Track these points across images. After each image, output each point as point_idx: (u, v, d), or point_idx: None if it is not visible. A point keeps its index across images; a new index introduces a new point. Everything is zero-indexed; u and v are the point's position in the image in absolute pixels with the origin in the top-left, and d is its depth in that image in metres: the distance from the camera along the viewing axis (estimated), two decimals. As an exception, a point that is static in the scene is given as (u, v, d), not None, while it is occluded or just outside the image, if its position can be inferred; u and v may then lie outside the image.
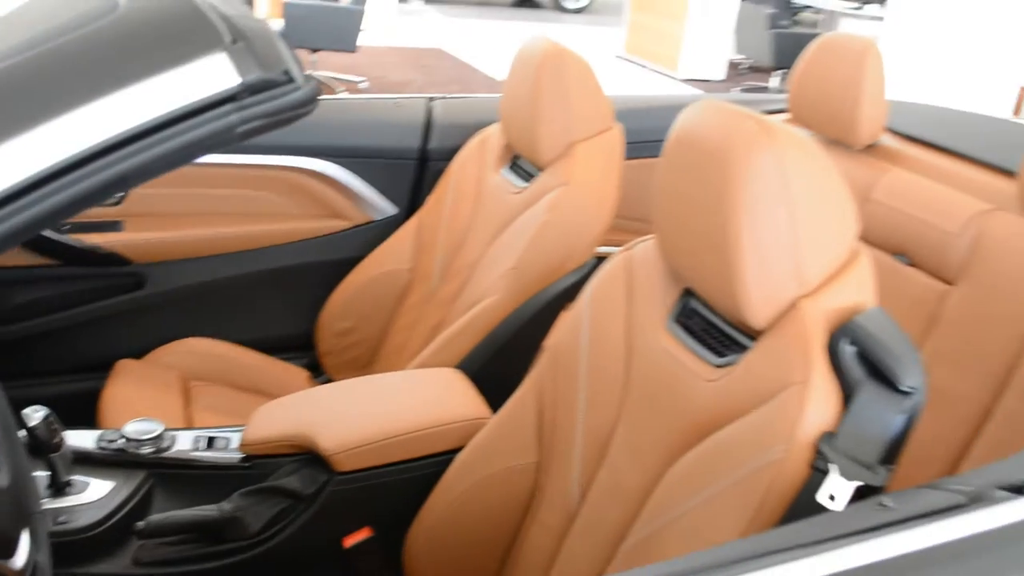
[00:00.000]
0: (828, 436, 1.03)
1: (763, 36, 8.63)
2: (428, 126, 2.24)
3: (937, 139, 2.08)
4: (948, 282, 1.81)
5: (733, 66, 10.17)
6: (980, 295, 1.74)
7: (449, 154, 2.19)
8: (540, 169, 1.94)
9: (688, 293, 1.26)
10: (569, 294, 1.86)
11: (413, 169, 2.24)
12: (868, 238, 1.97)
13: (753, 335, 1.15)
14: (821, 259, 1.11)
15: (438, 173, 2.19)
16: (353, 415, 1.53)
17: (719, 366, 1.17)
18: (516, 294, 1.82)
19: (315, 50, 6.84)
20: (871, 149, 2.10)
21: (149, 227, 2.10)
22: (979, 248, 1.75)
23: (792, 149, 1.08)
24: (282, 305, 2.24)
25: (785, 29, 9.01)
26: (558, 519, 1.36)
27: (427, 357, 1.85)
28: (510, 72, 1.98)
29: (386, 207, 2.25)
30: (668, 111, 2.21)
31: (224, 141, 0.63)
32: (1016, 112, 7.51)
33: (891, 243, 1.92)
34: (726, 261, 1.10)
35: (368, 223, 2.25)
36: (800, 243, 1.09)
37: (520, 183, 1.98)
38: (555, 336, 1.43)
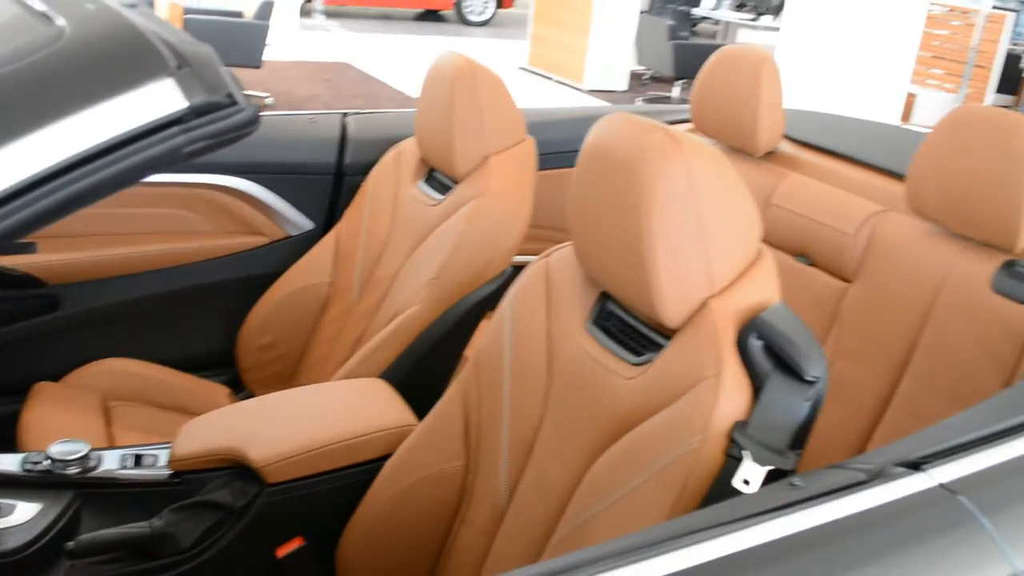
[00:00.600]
0: (740, 425, 1.10)
1: (663, 47, 8.84)
2: (343, 141, 2.27)
3: (831, 145, 2.19)
4: (846, 280, 1.92)
5: (636, 77, 10.38)
6: (875, 291, 1.85)
7: (365, 168, 2.22)
8: (456, 182, 1.99)
9: (605, 296, 1.33)
10: (488, 302, 1.91)
11: (329, 184, 2.27)
12: (771, 240, 2.07)
13: (667, 334, 1.22)
14: (728, 261, 1.18)
15: (354, 187, 2.22)
16: (282, 427, 1.56)
17: (637, 364, 1.24)
18: (437, 304, 1.86)
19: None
20: (770, 156, 2.20)
21: (63, 248, 2.09)
22: (873, 247, 1.86)
23: (699, 158, 1.15)
24: (201, 322, 2.24)
25: (684, 40, 9.25)
26: (487, 519, 1.40)
27: (351, 368, 1.88)
28: (423, 87, 2.03)
29: (303, 222, 2.27)
30: (578, 123, 2.29)
31: (171, 161, 0.66)
32: (904, 118, 7.85)
33: (792, 245, 2.02)
34: (640, 265, 1.16)
35: (285, 238, 2.26)
36: (708, 246, 1.16)
37: (436, 196, 2.02)
38: (478, 343, 1.48)
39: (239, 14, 7.16)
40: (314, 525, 1.55)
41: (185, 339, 2.23)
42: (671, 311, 1.17)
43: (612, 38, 9.52)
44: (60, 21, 0.67)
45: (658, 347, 1.23)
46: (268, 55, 7.24)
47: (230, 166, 2.18)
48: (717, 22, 12.09)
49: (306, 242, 2.24)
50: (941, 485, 0.97)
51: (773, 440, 1.09)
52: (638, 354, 1.25)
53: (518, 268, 1.63)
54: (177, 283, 2.19)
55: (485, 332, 1.47)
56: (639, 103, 9.14)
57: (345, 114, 2.35)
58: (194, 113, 0.66)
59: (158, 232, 2.18)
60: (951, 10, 9.08)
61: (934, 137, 1.73)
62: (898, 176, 1.98)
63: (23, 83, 0.63)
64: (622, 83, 9.73)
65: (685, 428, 1.12)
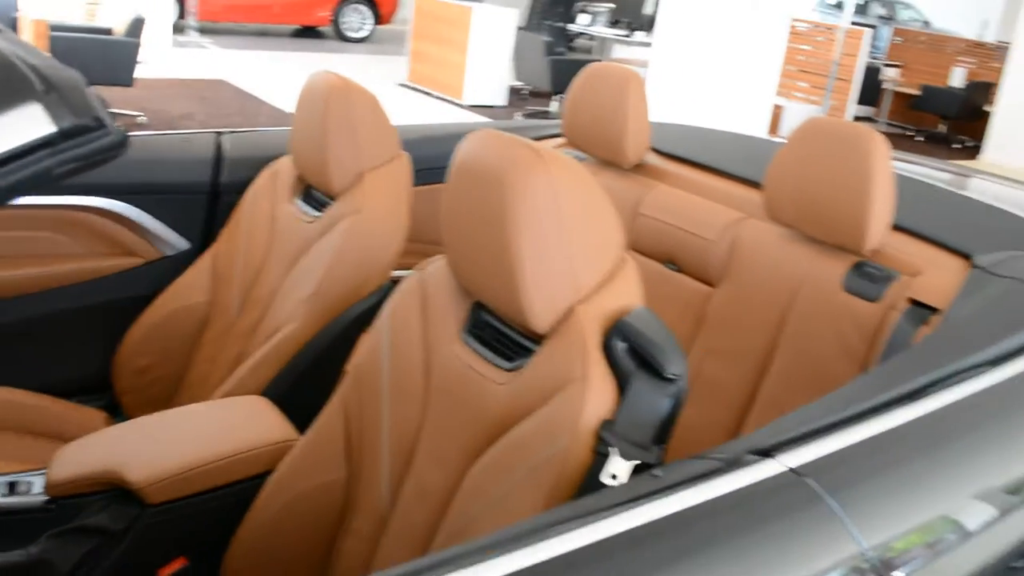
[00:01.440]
0: (607, 423, 1.16)
1: (541, 63, 8.99)
2: (218, 160, 2.26)
3: (695, 157, 2.29)
4: (711, 284, 2.01)
5: (515, 92, 10.52)
6: (737, 294, 1.95)
7: (241, 187, 2.21)
8: (332, 199, 2.01)
9: (478, 306, 1.37)
10: (367, 317, 1.93)
11: (205, 203, 2.25)
12: (639, 248, 2.15)
13: (537, 340, 1.27)
14: (592, 268, 1.24)
15: (231, 206, 2.21)
16: (161, 446, 1.55)
17: (509, 370, 1.28)
18: (316, 320, 1.88)
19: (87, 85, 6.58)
20: (638, 168, 2.29)
21: None
22: (734, 253, 1.96)
23: (561, 172, 1.21)
24: (75, 347, 2.19)
25: (561, 56, 9.42)
26: (371, 527, 1.43)
27: (231, 387, 1.87)
28: (298, 106, 2.04)
29: (179, 242, 2.25)
30: (453, 139, 2.33)
31: (41, 183, 0.67)
32: (772, 130, 8.17)
33: (660, 252, 2.11)
34: (508, 274, 1.21)
35: (160, 259, 2.24)
36: (573, 254, 1.22)
37: (313, 213, 2.04)
38: (357, 356, 1.50)
39: (108, 31, 6.98)
40: (197, 544, 1.54)
41: (59, 364, 2.18)
42: (539, 317, 1.22)
43: (490, 54, 9.63)
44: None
45: (529, 352, 1.28)
46: (140, 73, 7.08)
47: (102, 187, 2.15)
48: (593, 38, 12.34)
49: (182, 262, 2.22)
50: (790, 469, 1.04)
51: (638, 436, 1.15)
52: (510, 360, 1.30)
53: (396, 282, 1.66)
54: (49, 307, 2.14)
55: (363, 345, 1.50)
56: (518, 118, 9.27)
57: (219, 132, 2.34)
58: (62, 136, 0.68)
59: (28, 255, 2.13)
60: (816, 26, 9.51)
61: (787, 148, 1.84)
62: (756, 185, 2.09)
63: None
64: (501, 98, 9.85)
65: (555, 429, 1.17)
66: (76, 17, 7.77)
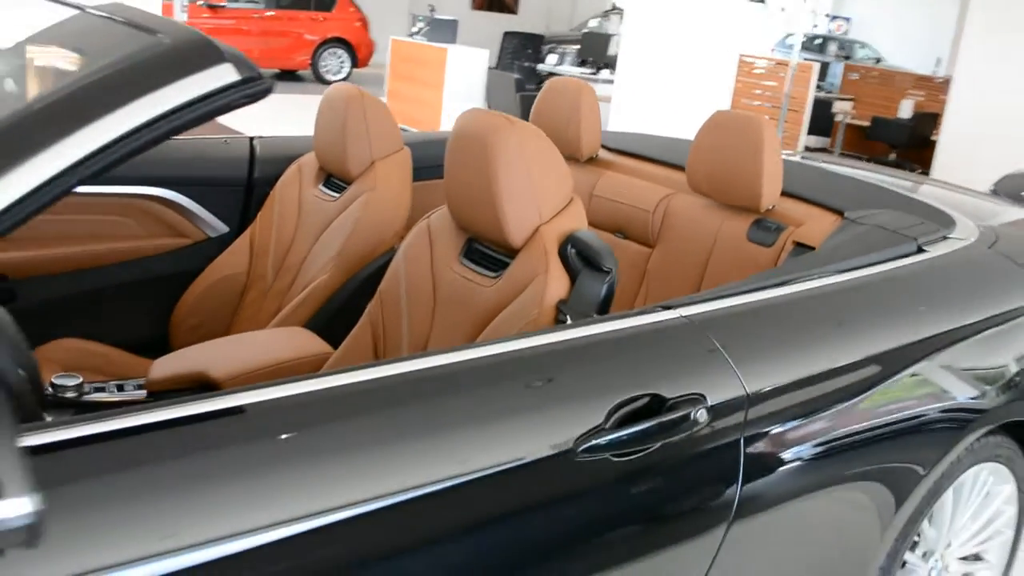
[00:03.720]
0: (562, 302, 1.68)
1: (512, 99, 9.60)
2: (252, 159, 2.78)
3: (635, 150, 2.85)
4: (650, 246, 2.55)
5: (488, 128, 11.10)
6: (670, 252, 2.48)
7: (271, 181, 2.74)
8: (349, 183, 2.54)
9: (471, 240, 1.90)
10: (380, 273, 2.45)
11: (241, 194, 2.77)
12: (595, 222, 2.69)
13: (512, 255, 1.80)
14: (551, 201, 1.77)
15: (263, 196, 2.73)
16: (234, 355, 2.05)
17: (494, 278, 1.81)
18: (341, 273, 2.40)
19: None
20: (592, 161, 2.84)
21: (21, 247, 2.52)
22: (666, 219, 2.50)
23: (527, 133, 1.75)
24: (138, 310, 2.69)
25: (531, 92, 10.04)
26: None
27: (276, 325, 2.38)
28: (320, 111, 2.57)
29: (220, 226, 2.76)
30: (440, 143, 2.87)
31: (227, 110, 1.16)
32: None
33: (611, 224, 2.65)
34: (492, 208, 1.74)
35: (205, 240, 2.75)
36: (536, 192, 1.75)
37: (333, 194, 2.57)
38: (382, 285, 2.02)
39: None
40: None
41: (126, 325, 2.68)
42: (514, 236, 1.75)
43: (464, 92, 10.23)
44: (162, 36, 1.19)
45: (507, 264, 1.80)
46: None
47: (159, 179, 2.66)
48: (561, 75, 12.98)
49: (223, 242, 2.74)
50: (683, 316, 1.57)
51: (585, 309, 1.68)
52: (495, 271, 1.82)
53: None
54: (117, 278, 2.64)
55: (387, 277, 2.02)
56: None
57: (251, 138, 2.87)
58: (244, 82, 1.18)
59: (101, 235, 2.63)
60: (777, 63, 10.19)
61: (701, 135, 2.39)
62: (681, 168, 2.64)
63: (153, 63, 1.14)
64: (476, 133, 10.42)
65: (527, 307, 1.69)
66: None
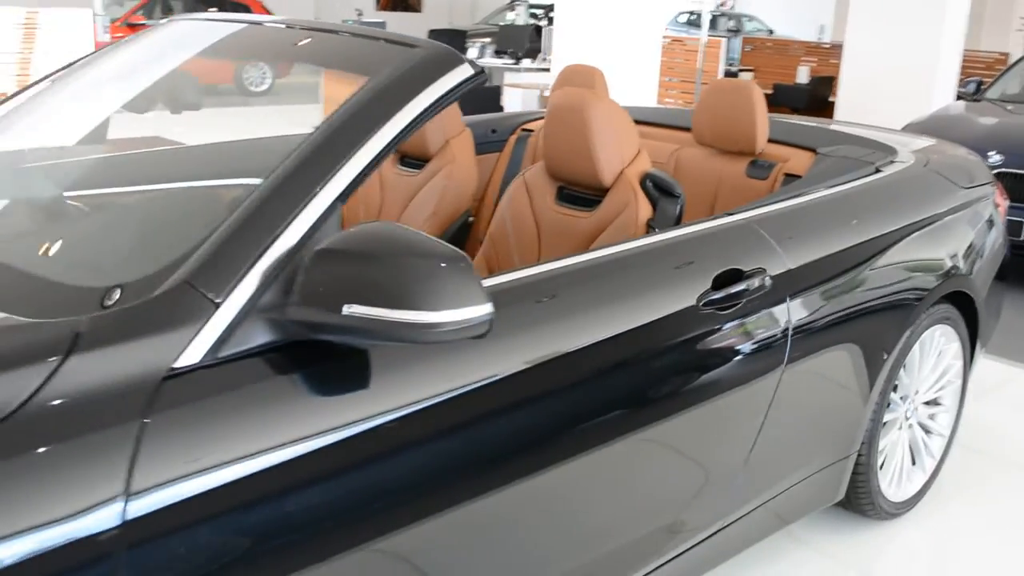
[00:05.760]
0: (649, 220, 2.35)
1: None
2: None
3: (652, 120, 3.54)
4: None
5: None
6: (685, 192, 3.18)
7: None
8: (427, 159, 3.16)
9: (561, 188, 2.55)
10: (462, 231, 3.09)
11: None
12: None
13: (601, 195, 2.46)
14: (629, 150, 2.44)
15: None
16: None
17: (590, 211, 2.47)
18: (435, 229, 3.02)
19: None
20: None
21: None
22: (678, 168, 3.20)
23: (609, 103, 2.41)
24: None
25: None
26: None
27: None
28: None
29: None
30: (482, 124, 3.50)
31: (456, 99, 1.76)
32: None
33: None
34: (590, 159, 2.40)
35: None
36: (619, 144, 2.41)
37: (413, 170, 3.18)
38: (491, 230, 2.67)
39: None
40: None
41: None
42: (606, 178, 2.42)
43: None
44: (419, 48, 1.82)
45: (598, 201, 2.47)
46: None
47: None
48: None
49: None
50: (743, 218, 2.25)
51: (667, 224, 2.35)
52: (589, 207, 2.48)
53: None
54: None
55: (494, 221, 2.66)
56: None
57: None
58: (478, 74, 1.79)
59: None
60: (673, 40, 11.02)
61: (703, 98, 3.08)
62: (679, 128, 3.34)
63: (420, 68, 1.77)
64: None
65: (627, 226, 2.36)
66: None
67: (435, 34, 14.06)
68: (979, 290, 2.99)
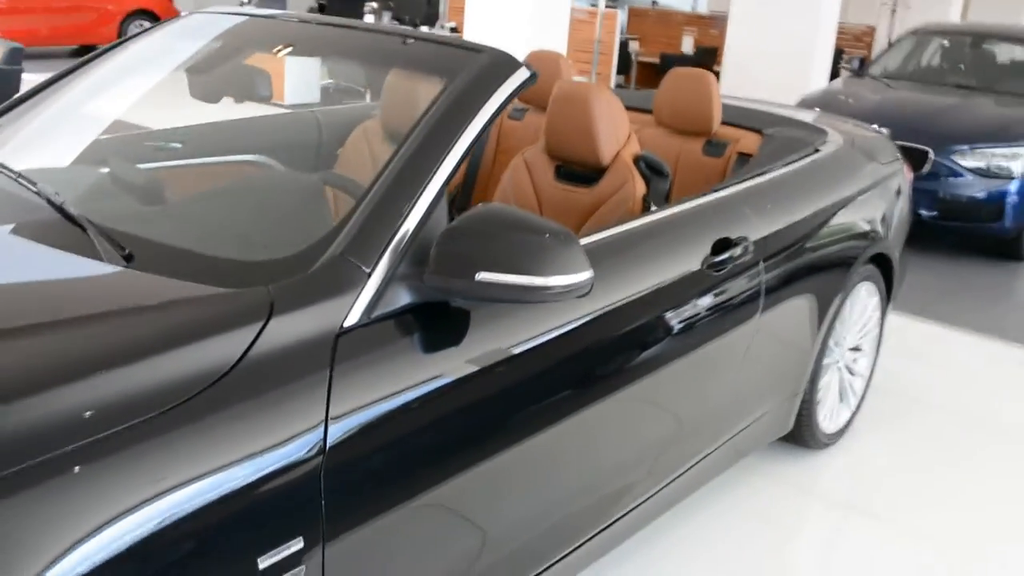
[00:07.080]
0: (645, 196, 2.74)
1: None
2: (319, 125, 3.64)
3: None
4: None
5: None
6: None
7: (340, 142, 3.61)
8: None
9: (559, 166, 2.91)
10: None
11: (313, 155, 3.63)
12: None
13: (599, 174, 2.83)
14: (623, 133, 2.82)
15: (334, 156, 3.60)
16: None
17: (589, 187, 2.84)
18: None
19: None
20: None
21: None
22: (641, 145, 3.59)
23: (607, 92, 2.78)
24: None
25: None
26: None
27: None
28: (385, 89, 3.48)
29: None
30: None
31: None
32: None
33: None
34: (591, 141, 2.76)
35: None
36: (615, 128, 2.79)
37: (403, 148, 3.48)
38: (495, 198, 3.01)
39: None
40: None
41: None
42: (605, 157, 2.79)
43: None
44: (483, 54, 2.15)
45: (596, 179, 2.84)
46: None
47: (256, 147, 3.48)
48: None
49: None
50: (725, 194, 2.66)
51: (659, 200, 2.75)
52: (588, 184, 2.86)
53: None
54: None
55: (495, 197, 3.01)
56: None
57: (312, 110, 3.71)
58: (534, 76, 2.11)
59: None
60: (588, 11, 11.42)
61: (664, 84, 3.48)
62: (648, 111, 3.73)
63: (485, 74, 2.10)
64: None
65: (624, 201, 2.75)
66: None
67: (334, 1, 14.06)
68: (894, 252, 3.51)
